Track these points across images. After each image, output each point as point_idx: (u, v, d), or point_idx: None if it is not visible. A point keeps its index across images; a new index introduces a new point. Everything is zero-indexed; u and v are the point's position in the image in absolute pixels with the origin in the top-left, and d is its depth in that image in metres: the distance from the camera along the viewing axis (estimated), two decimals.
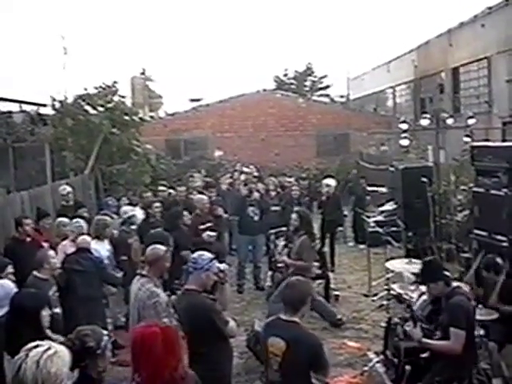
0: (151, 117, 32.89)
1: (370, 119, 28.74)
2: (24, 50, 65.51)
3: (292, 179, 16.35)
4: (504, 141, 15.94)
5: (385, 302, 10.70)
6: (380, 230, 12.61)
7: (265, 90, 29.33)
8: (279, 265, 10.97)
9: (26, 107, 18.21)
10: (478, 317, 6.62)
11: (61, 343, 3.92)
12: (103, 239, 9.59)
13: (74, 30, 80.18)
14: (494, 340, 7.13)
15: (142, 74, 41.48)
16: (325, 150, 27.31)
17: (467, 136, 13.98)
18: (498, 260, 7.73)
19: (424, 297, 8.09)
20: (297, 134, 27.47)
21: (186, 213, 11.50)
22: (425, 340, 6.16)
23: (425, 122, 14.03)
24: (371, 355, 8.70)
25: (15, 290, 6.79)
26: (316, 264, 10.93)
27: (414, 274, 9.28)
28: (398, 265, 9.56)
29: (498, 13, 20.66)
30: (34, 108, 18.21)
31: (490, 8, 21.21)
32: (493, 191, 9.28)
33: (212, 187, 14.02)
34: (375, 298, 11.64)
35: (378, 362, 8.23)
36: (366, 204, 16.98)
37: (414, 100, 30.15)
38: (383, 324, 8.81)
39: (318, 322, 10.14)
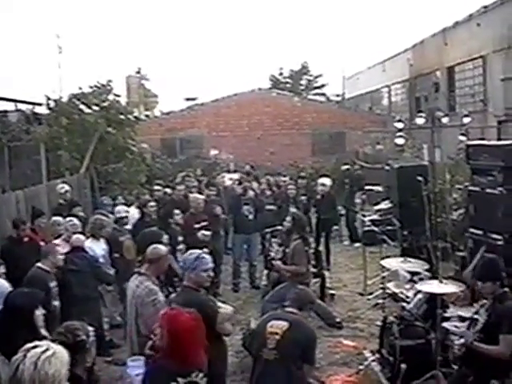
0: (147, 116, 32.92)
1: (365, 118, 28.78)
2: (20, 50, 65.43)
3: (287, 178, 16.34)
4: (499, 139, 15.96)
5: (380, 301, 10.68)
6: (375, 228, 12.61)
7: (260, 89, 29.28)
8: (274, 263, 10.98)
9: (21, 106, 18.15)
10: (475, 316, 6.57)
11: (53, 339, 3.91)
12: (99, 238, 9.57)
13: (70, 28, 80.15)
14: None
15: (138, 72, 41.51)
16: (320, 148, 27.33)
17: (462, 135, 14.01)
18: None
19: (419, 295, 8.12)
20: (292, 132, 27.48)
21: (177, 211, 11.53)
22: (476, 343, 5.90)
23: (420, 121, 14.06)
24: (367, 354, 8.72)
25: (10, 288, 6.79)
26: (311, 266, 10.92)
27: (409, 272, 9.29)
28: (394, 263, 9.57)
29: (493, 12, 20.64)
30: (30, 107, 18.15)
31: (485, 7, 21.18)
32: (488, 190, 9.27)
33: (213, 186, 14.00)
34: (371, 297, 11.65)
35: (373, 360, 8.25)
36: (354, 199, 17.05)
37: (409, 99, 30.16)
38: (379, 323, 8.82)
39: (313, 320, 10.10)
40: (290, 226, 9.79)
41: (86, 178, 15.69)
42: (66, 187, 12.30)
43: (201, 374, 4.24)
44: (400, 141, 14.72)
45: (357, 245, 15.86)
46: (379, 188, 16.99)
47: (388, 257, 10.48)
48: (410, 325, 7.74)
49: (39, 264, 7.65)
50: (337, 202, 15.27)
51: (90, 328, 4.45)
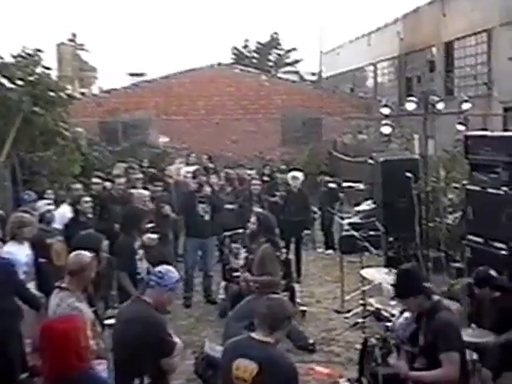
0: (82, 93, 32.61)
1: (345, 102, 28.90)
2: None
3: (252, 172, 16.35)
4: (505, 130, 16.16)
5: (360, 320, 10.77)
6: (356, 233, 12.66)
7: (220, 65, 29.25)
8: (235, 274, 10.97)
9: None
10: (470, 339, 6.66)
11: None
12: (22, 241, 9.42)
13: None
14: (489, 366, 7.17)
15: (72, 40, 41.05)
16: (291, 137, 27.42)
17: (461, 124, 14.15)
18: (492, 273, 7.70)
19: (406, 314, 8.16)
20: (258, 117, 27.53)
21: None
22: (413, 373, 5.97)
23: (411, 107, 14.16)
24: (344, 383, 8.76)
25: None
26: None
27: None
28: (377, 275, 9.64)
29: None
30: None
31: None
32: (490, 189, 9.38)
33: (158, 180, 13.93)
34: (349, 315, 11.70)
35: None
36: (336, 200, 17.09)
37: (398, 80, 30.44)
38: (358, 346, 8.87)
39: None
40: (255, 228, 9.76)
41: (6, 167, 15.49)
42: None
43: None
44: (386, 130, 14.82)
45: (333, 253, 15.94)
46: (361, 185, 17.11)
47: (370, 267, 10.56)
48: (394, 349, 7.80)
49: None
50: (310, 201, 15.34)
51: None
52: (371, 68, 34.73)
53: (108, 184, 14.14)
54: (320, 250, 17.11)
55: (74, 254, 6.39)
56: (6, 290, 8.31)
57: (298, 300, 11.98)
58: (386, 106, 14.74)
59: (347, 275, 12.80)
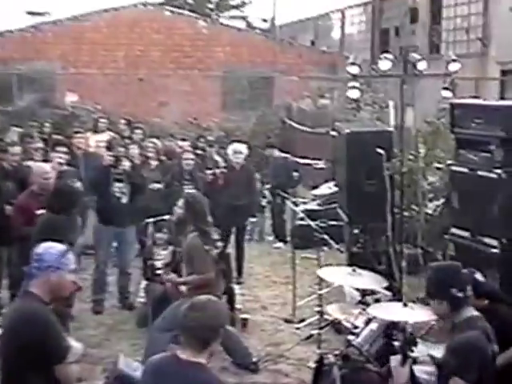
0: None
1: (304, 57, 29.02)
2: None
3: (185, 143, 16.30)
4: (502, 98, 16.34)
5: (315, 332, 10.85)
6: (312, 223, 12.70)
7: (146, 5, 29.11)
8: (159, 272, 10.97)
9: None
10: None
11: None
12: None
13: None
14: None
15: None
16: (235, 100, 27.49)
17: (447, 89, 14.29)
18: (478, 277, 7.67)
19: (373, 325, 8.27)
20: (194, 74, 27.45)
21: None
22: None
23: (386, 66, 14.24)
24: None
25: None
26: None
27: (359, 290, 9.44)
28: (337, 276, 9.71)
29: None
30: None
31: None
32: (481, 172, 9.46)
33: (63, 146, 13.78)
34: (301, 325, 11.79)
35: None
36: (288, 180, 17.17)
37: (371, 32, 30.59)
38: (312, 364, 8.95)
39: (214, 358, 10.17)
40: (183, 213, 9.75)
41: None
42: None
43: None
44: (354, 94, 14.86)
45: (283, 247, 16.04)
46: (320, 163, 17.21)
47: (329, 266, 10.65)
48: (357, 368, 7.88)
49: None
50: (257, 182, 15.38)
51: None
52: (338, 16, 34.86)
53: None
54: (267, 243, 17.19)
55: None
56: None
57: (239, 306, 12.02)
58: (354, 63, 14.80)
59: (300, 275, 12.90)
